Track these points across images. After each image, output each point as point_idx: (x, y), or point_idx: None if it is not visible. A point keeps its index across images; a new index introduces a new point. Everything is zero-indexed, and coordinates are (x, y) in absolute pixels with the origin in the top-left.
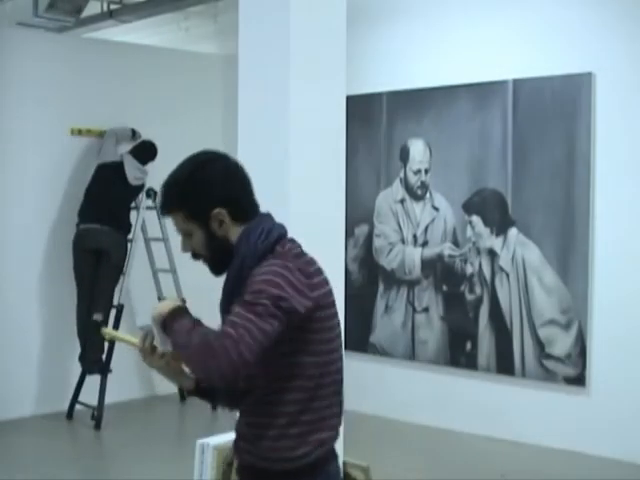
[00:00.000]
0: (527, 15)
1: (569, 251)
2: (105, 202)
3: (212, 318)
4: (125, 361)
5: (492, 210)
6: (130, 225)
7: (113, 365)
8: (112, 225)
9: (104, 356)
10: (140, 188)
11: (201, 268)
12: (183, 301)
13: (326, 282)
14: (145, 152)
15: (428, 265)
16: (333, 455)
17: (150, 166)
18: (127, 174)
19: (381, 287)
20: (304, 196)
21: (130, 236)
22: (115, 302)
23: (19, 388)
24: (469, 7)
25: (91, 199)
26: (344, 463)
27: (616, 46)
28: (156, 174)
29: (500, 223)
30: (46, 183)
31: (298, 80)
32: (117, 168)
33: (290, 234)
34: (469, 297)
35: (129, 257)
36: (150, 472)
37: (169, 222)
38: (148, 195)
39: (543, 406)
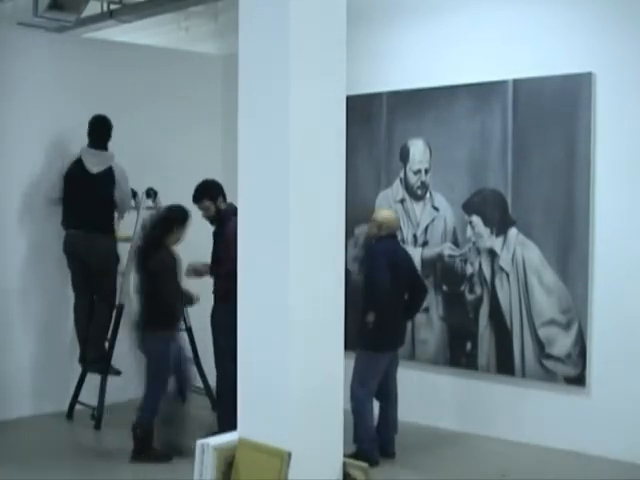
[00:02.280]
0: (527, 15)
1: (569, 251)
2: (77, 204)
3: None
4: (125, 361)
5: (492, 210)
6: (109, 224)
7: (113, 365)
8: (85, 228)
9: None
10: (106, 175)
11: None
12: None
13: None
14: (98, 132)
15: (428, 265)
16: None
17: (152, 167)
18: (86, 164)
19: None
20: (304, 196)
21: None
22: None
23: (19, 388)
24: (469, 7)
25: (66, 204)
26: (344, 463)
27: (616, 46)
28: (158, 173)
29: (500, 223)
30: (45, 181)
31: (298, 80)
32: (78, 164)
33: (290, 234)
34: (469, 297)
35: (119, 257)
36: (150, 472)
37: None
38: (148, 195)
39: (543, 406)
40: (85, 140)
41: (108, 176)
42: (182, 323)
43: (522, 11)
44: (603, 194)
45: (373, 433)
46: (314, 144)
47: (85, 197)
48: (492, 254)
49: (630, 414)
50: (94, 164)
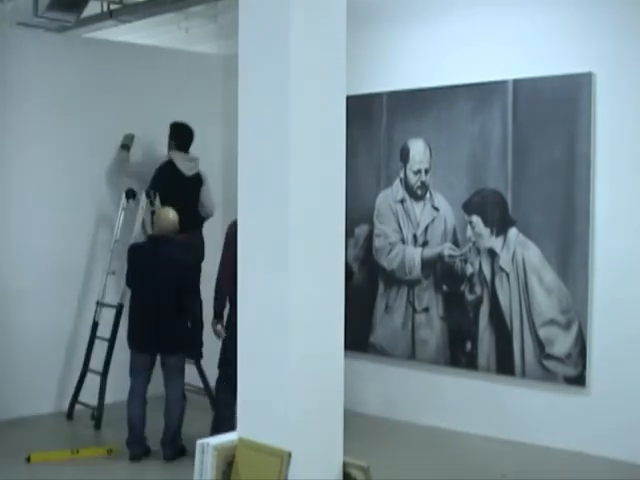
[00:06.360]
0: (527, 15)
1: (569, 251)
2: (172, 205)
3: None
4: (125, 361)
5: (492, 210)
6: (200, 224)
7: (113, 365)
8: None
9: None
10: (196, 179)
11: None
12: None
13: None
14: (187, 137)
15: (428, 265)
16: None
17: (152, 167)
18: (180, 168)
19: (381, 287)
20: (304, 196)
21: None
22: (115, 302)
23: (19, 388)
24: (469, 7)
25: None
26: (344, 463)
27: (616, 46)
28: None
29: (500, 223)
30: (46, 182)
31: (298, 80)
32: (170, 166)
33: (290, 234)
34: (469, 297)
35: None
36: (150, 472)
37: None
38: (148, 195)
39: (543, 406)
40: (84, 141)
41: (198, 180)
42: None
43: (522, 11)
44: (603, 194)
45: (132, 426)
46: (314, 144)
47: (179, 199)
48: (492, 254)
49: (630, 414)
50: (188, 168)
